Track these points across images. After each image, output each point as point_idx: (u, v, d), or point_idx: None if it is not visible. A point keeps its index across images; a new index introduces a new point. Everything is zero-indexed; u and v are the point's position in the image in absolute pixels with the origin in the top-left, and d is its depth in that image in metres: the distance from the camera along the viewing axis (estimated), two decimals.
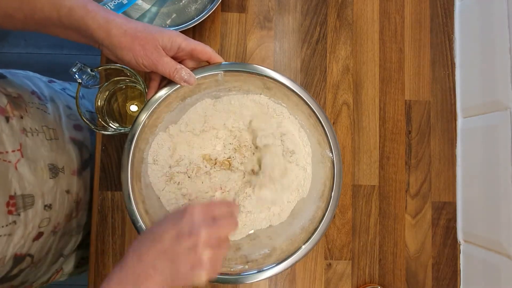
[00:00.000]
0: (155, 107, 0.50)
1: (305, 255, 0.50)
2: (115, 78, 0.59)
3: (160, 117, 0.52)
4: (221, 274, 0.49)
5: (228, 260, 0.52)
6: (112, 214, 0.61)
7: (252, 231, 0.56)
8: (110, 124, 0.58)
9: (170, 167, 0.55)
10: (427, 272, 0.64)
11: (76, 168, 0.60)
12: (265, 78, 0.52)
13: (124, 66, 0.54)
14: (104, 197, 0.61)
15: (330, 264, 0.63)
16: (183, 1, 0.65)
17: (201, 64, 0.50)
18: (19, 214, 0.47)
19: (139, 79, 0.55)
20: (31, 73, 0.66)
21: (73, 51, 1.43)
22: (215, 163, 0.56)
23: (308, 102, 0.52)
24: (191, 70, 0.48)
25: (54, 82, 0.70)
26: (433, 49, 0.67)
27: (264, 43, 0.65)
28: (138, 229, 0.48)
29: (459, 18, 0.67)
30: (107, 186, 0.61)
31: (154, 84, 0.50)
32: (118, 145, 0.62)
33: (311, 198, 0.55)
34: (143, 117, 0.49)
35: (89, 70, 0.52)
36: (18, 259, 0.49)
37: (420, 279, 0.63)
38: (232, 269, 0.50)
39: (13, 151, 0.46)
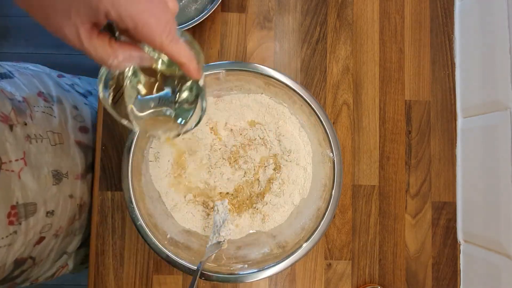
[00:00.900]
0: None
1: (305, 254, 0.50)
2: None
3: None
4: (221, 273, 0.49)
5: (228, 259, 0.52)
6: (112, 214, 0.61)
7: (252, 231, 0.56)
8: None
9: (171, 163, 0.55)
10: (427, 272, 0.64)
11: (80, 172, 0.59)
12: (266, 77, 0.52)
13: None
14: (104, 197, 0.61)
15: (330, 264, 0.63)
16: (183, 1, 0.65)
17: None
18: (20, 223, 0.46)
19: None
20: (40, 67, 0.65)
21: (73, 51, 1.43)
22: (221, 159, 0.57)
23: (308, 100, 0.52)
24: None
25: (64, 77, 0.69)
26: (433, 49, 0.67)
27: (264, 43, 0.65)
28: (138, 228, 0.49)
29: (459, 18, 0.67)
30: (107, 186, 0.61)
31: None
32: (118, 145, 0.62)
33: (312, 198, 0.55)
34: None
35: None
36: (19, 262, 0.49)
37: (420, 279, 0.63)
38: (232, 268, 0.50)
39: (17, 160, 0.46)
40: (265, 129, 0.57)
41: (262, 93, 0.56)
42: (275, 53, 0.65)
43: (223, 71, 0.51)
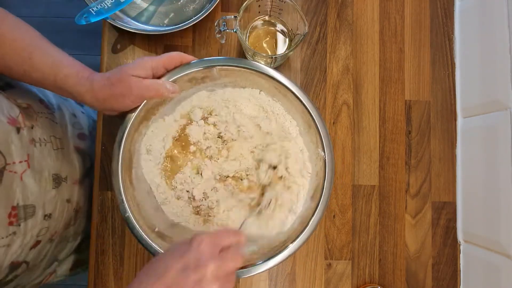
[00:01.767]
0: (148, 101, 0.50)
1: (297, 250, 0.49)
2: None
3: (154, 108, 0.53)
4: None
5: None
6: (112, 214, 0.61)
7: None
8: None
9: (162, 156, 0.55)
10: (427, 272, 0.64)
11: (78, 178, 0.60)
12: (258, 73, 0.52)
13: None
14: (104, 197, 0.61)
15: (330, 264, 0.63)
16: (181, 1, 0.65)
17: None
18: (19, 225, 0.47)
19: None
20: None
21: (74, 51, 1.43)
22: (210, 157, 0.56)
23: (299, 96, 0.52)
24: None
25: None
26: (433, 49, 0.67)
27: None
28: (126, 220, 0.49)
29: (459, 18, 0.67)
30: (107, 186, 0.61)
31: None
32: None
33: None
34: (137, 109, 0.50)
35: None
36: (14, 266, 0.49)
37: (420, 279, 0.63)
38: None
39: (20, 161, 0.46)
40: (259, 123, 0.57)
41: (257, 90, 0.56)
42: None
43: (217, 67, 0.52)
